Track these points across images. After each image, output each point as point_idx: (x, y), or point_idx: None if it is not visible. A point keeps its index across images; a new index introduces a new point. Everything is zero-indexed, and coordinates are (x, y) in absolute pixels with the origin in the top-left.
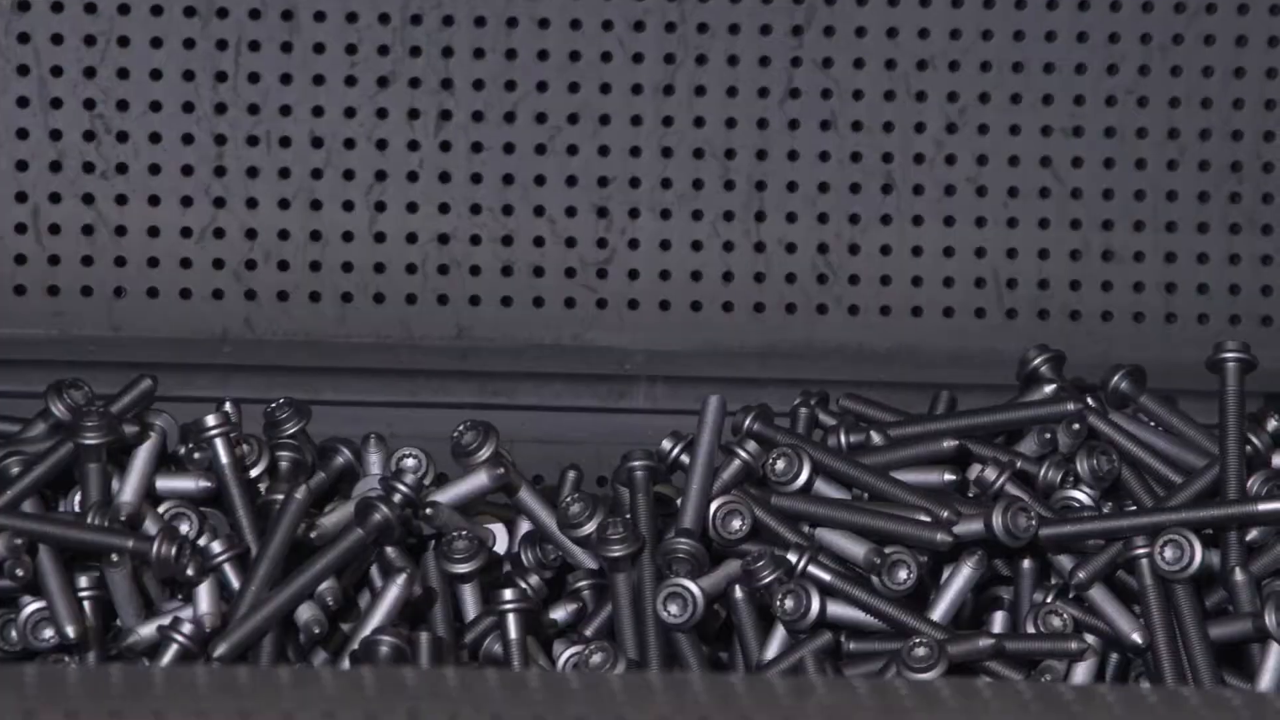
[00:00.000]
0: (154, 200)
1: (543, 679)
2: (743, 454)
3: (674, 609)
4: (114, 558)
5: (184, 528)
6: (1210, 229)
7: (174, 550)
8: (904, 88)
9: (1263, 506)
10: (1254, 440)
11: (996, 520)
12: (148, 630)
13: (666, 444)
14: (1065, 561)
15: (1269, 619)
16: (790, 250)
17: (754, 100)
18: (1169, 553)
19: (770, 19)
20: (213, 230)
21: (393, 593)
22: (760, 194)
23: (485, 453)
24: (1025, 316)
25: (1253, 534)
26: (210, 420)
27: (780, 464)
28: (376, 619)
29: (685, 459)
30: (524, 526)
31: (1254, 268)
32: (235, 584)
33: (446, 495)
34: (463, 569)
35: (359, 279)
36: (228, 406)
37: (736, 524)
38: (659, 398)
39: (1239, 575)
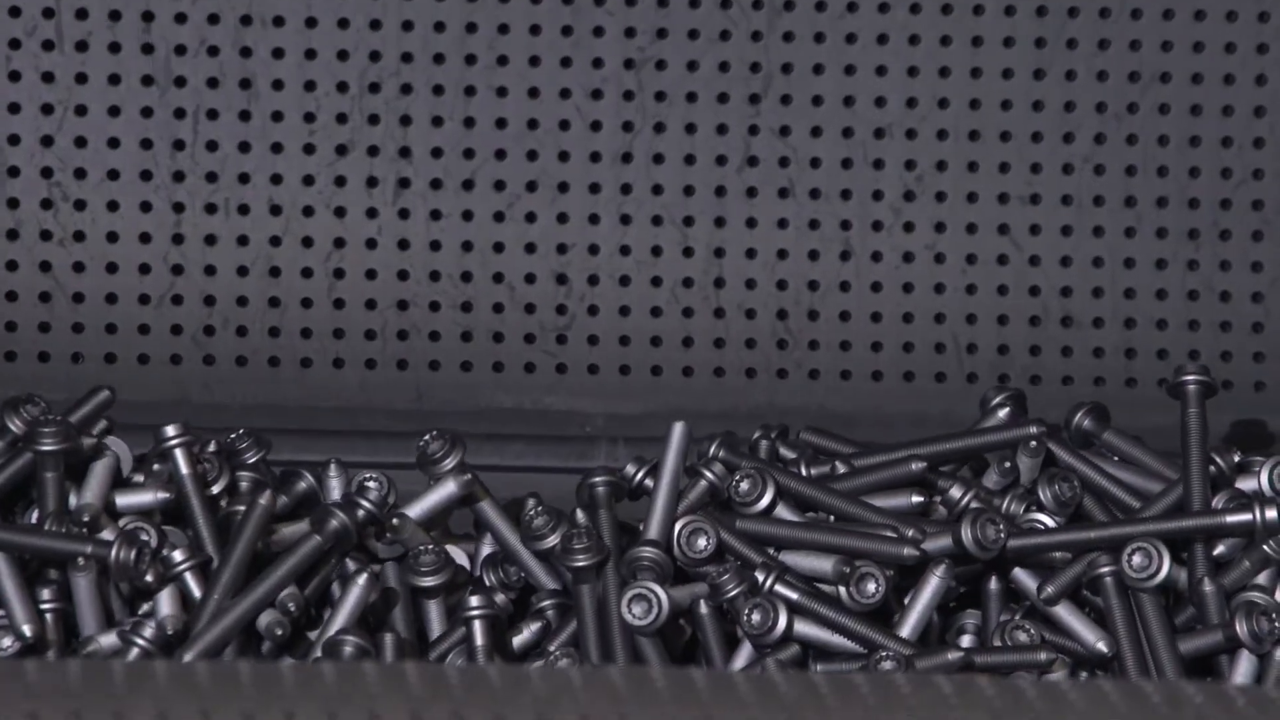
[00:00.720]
0: (111, 268)
1: (503, 672)
2: (708, 474)
3: (638, 610)
4: (80, 561)
5: (143, 538)
6: (1168, 295)
7: (133, 554)
8: (861, 155)
9: (1230, 518)
10: (1218, 461)
11: (965, 532)
12: (108, 639)
13: (630, 468)
14: (1030, 583)
15: (1239, 627)
16: (750, 316)
17: (712, 168)
18: (1137, 559)
19: (727, 87)
20: (171, 297)
21: (354, 593)
22: (719, 260)
23: (452, 461)
24: (985, 381)
25: (1220, 549)
26: (170, 430)
27: (744, 485)
28: (339, 621)
29: (649, 483)
30: (484, 551)
31: (1213, 333)
32: (196, 593)
33: (415, 509)
34: (429, 582)
35: (318, 345)
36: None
37: (701, 543)
38: (620, 458)
39: (1207, 586)
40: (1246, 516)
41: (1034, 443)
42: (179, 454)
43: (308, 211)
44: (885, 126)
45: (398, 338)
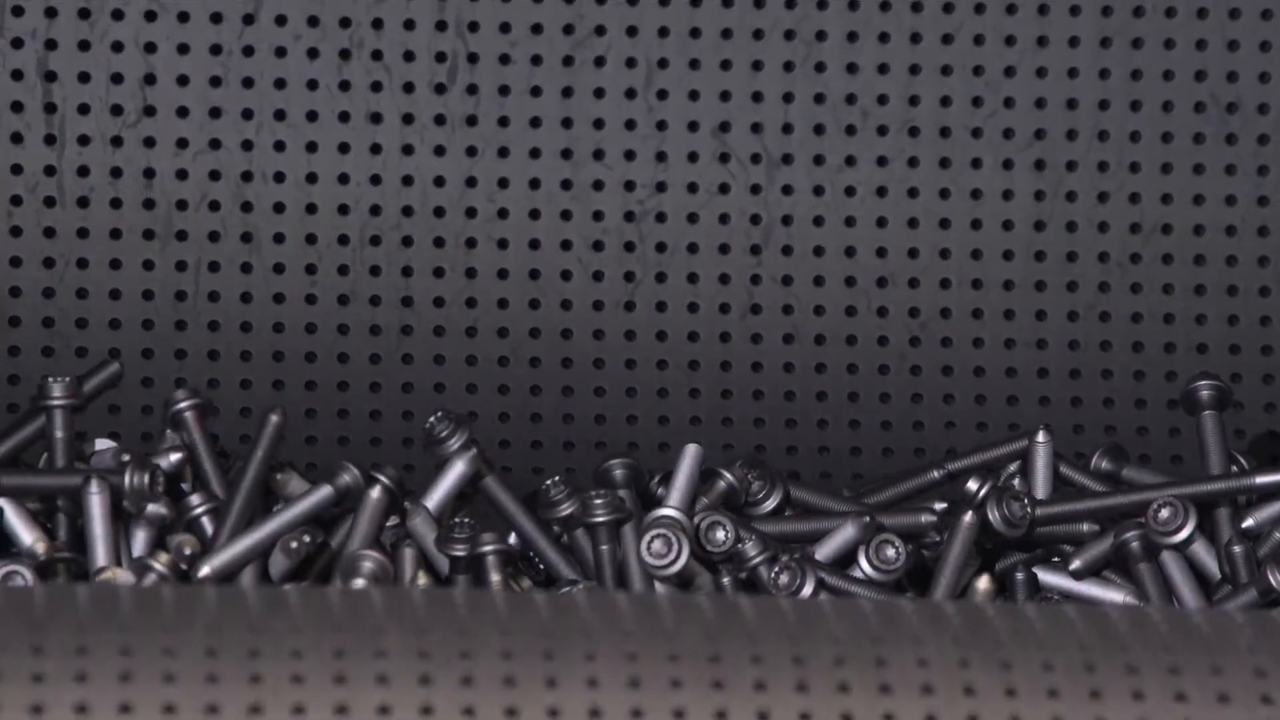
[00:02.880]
0: (114, 409)
1: (509, 600)
2: (728, 475)
3: (658, 546)
4: (93, 484)
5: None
6: (1181, 433)
7: (147, 478)
8: (865, 304)
9: (1261, 478)
10: (1239, 459)
11: (993, 511)
12: (124, 575)
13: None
14: (1054, 578)
15: (1273, 578)
16: (759, 452)
17: (716, 315)
18: (1164, 514)
19: (728, 239)
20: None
21: (369, 506)
22: (725, 402)
23: (458, 440)
24: None
25: (1249, 521)
26: (180, 394)
27: (756, 484)
28: (358, 538)
29: (662, 492)
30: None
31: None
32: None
33: (430, 499)
34: (461, 551)
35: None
36: None
37: (720, 535)
38: None
39: (1237, 546)
40: (1278, 476)
41: (1041, 436)
42: (190, 416)
43: (310, 358)
44: (888, 275)
45: (404, 471)
